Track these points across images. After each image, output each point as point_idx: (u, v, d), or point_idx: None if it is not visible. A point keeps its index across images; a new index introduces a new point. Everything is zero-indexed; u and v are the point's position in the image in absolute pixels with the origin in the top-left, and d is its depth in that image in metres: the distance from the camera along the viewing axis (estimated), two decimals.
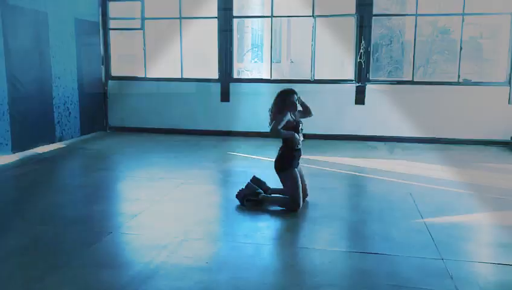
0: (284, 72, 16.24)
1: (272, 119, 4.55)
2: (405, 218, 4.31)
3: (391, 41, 15.93)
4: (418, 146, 7.84)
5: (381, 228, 4.10)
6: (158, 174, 5.84)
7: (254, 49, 22.46)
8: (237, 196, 4.57)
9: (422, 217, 4.27)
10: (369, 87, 8.39)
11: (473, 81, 8.24)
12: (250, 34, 19.10)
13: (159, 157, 7.03)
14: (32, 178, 5.77)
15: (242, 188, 4.61)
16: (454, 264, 3.28)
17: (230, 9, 8.69)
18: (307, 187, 4.69)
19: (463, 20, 7.98)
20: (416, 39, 8.40)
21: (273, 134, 4.40)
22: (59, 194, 5.08)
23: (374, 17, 8.32)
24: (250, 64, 16.83)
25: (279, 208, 4.45)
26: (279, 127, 4.36)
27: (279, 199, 4.57)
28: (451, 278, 3.04)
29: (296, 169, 4.53)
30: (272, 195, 4.64)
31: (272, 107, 4.65)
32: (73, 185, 5.57)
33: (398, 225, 4.16)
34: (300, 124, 4.61)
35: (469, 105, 8.00)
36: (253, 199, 4.51)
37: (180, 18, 8.92)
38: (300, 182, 4.49)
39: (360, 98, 8.41)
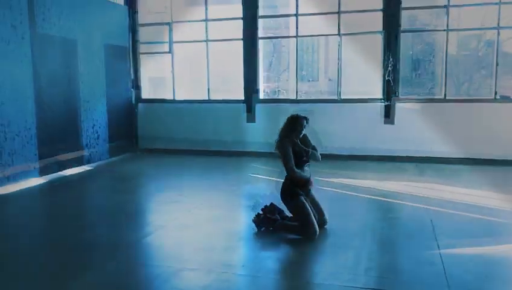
0: (322, 90, 16.05)
1: (278, 143, 4.41)
2: (419, 248, 4.00)
3: (433, 57, 15.41)
4: (451, 167, 7.40)
5: (391, 259, 3.84)
6: (173, 198, 5.80)
7: (300, 69, 22.41)
8: (253, 221, 4.44)
9: (438, 248, 3.94)
10: (398, 105, 8.06)
11: (511, 97, 7.71)
12: (288, 54, 19.12)
13: (180, 179, 7.05)
14: (53, 200, 5.91)
15: (259, 213, 4.46)
16: None
17: (256, 30, 8.68)
18: (325, 213, 4.48)
19: (498, 34, 7.54)
20: (460, 53, 8.04)
21: (290, 175, 4.30)
22: (68, 217, 5.14)
23: (402, 34, 8.03)
24: (287, 83, 16.78)
25: (296, 237, 4.26)
26: (292, 164, 4.25)
27: (296, 226, 4.35)
28: None
29: (302, 197, 4.32)
30: (288, 223, 4.44)
31: (281, 130, 4.52)
32: (88, 208, 5.63)
33: (410, 255, 3.86)
34: (307, 153, 4.39)
35: (507, 122, 7.48)
36: (269, 225, 4.39)
37: (207, 40, 9.02)
38: (310, 209, 4.28)
39: (389, 117, 8.09)
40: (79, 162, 7.83)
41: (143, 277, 3.46)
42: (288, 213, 4.55)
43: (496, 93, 7.62)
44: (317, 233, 4.17)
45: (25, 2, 6.57)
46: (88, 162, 8.05)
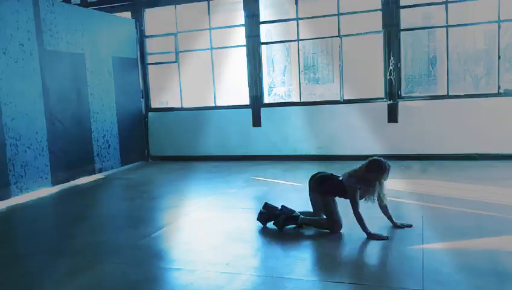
0: (337, 92, 16.11)
1: (353, 185, 4.27)
2: (404, 243, 4.04)
3: (447, 54, 15.28)
4: (455, 164, 7.34)
5: (374, 255, 3.90)
6: (174, 203, 6.00)
7: (306, 71, 22.49)
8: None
9: (422, 243, 3.98)
10: (401, 104, 8.05)
11: None
12: (303, 57, 19.20)
13: (184, 185, 7.25)
14: (62, 208, 6.20)
15: (261, 211, 4.66)
16: None
17: (258, 36, 8.84)
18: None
19: (499, 28, 7.46)
20: (477, 48, 7.99)
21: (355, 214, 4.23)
22: (72, 223, 5.39)
23: (402, 32, 8.03)
24: (303, 86, 16.89)
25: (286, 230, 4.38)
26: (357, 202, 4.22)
27: (322, 220, 4.48)
28: None
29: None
30: (312, 218, 4.57)
31: (358, 171, 4.32)
32: (93, 214, 5.87)
33: (393, 251, 3.92)
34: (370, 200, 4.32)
35: (511, 117, 7.38)
36: (291, 223, 4.52)
37: (211, 48, 9.23)
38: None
39: (392, 116, 8.09)
40: (91, 171, 8.14)
41: (132, 279, 3.62)
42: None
43: (499, 88, 7.53)
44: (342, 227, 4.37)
45: (32, 21, 6.92)
46: (100, 171, 8.35)
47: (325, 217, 4.50)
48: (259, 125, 8.98)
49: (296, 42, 8.76)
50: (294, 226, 4.54)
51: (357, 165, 4.39)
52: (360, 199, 4.26)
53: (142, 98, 9.76)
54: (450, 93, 7.84)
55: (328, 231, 4.39)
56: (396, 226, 4.41)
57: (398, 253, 3.89)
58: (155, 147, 9.80)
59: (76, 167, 7.84)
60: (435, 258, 3.67)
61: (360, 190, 4.21)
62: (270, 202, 4.81)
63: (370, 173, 4.19)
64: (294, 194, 6.12)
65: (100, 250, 4.36)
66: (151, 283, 3.56)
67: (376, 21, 8.21)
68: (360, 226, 4.17)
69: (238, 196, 6.28)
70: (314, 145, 8.59)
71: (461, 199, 5.39)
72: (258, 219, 4.73)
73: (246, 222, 5.13)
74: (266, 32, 9.49)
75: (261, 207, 4.78)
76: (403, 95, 8.13)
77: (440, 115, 7.81)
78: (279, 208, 4.67)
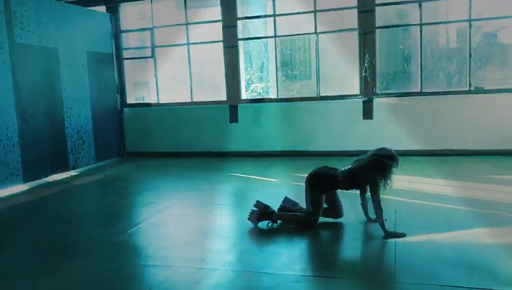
0: (315, 88, 16.24)
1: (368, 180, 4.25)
2: (377, 237, 4.11)
3: (421, 52, 15.59)
4: (427, 159, 7.50)
5: (347, 249, 3.96)
6: (150, 199, 5.95)
7: (283, 67, 22.56)
8: (249, 219, 4.55)
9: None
10: (376, 101, 8.17)
11: (485, 88, 7.81)
12: (280, 54, 19.25)
13: (160, 181, 7.20)
14: (34, 205, 6.07)
15: (253, 209, 4.58)
16: (406, 287, 3.10)
17: (235, 32, 8.83)
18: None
19: (470, 27, 7.64)
20: (450, 46, 8.17)
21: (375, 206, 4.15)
22: (45, 220, 5.29)
23: (377, 30, 8.14)
24: (280, 83, 16.94)
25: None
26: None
27: (297, 216, 4.48)
28: None
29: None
30: (287, 213, 4.57)
31: (367, 165, 4.27)
32: (67, 211, 5.77)
33: (366, 245, 3.99)
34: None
35: (482, 114, 7.60)
36: (267, 218, 4.51)
37: (188, 44, 9.17)
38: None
39: (367, 113, 8.21)
40: (64, 168, 7.99)
41: (107, 276, 3.58)
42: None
43: (470, 85, 7.72)
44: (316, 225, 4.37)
45: (3, 14, 6.72)
46: (74, 168, 8.20)
47: (301, 213, 4.50)
48: (237, 122, 8.98)
49: (273, 39, 8.78)
50: (268, 222, 4.53)
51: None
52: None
53: (118, 93, 9.63)
54: (423, 90, 8.00)
55: (304, 225, 4.40)
56: (369, 220, 4.47)
57: (371, 246, 3.97)
58: (131, 143, 9.69)
59: (49, 164, 7.67)
60: (407, 251, 3.75)
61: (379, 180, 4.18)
62: (248, 197, 4.79)
63: (384, 161, 4.18)
64: (270, 190, 6.15)
65: (74, 247, 4.29)
66: (126, 279, 3.52)
67: (352, 19, 8.30)
68: (379, 220, 4.11)
69: (214, 192, 6.27)
70: (291, 142, 8.64)
71: (433, 193, 5.51)
72: (249, 219, 4.59)
73: (222, 218, 5.16)
74: (243, 29, 9.47)
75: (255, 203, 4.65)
76: (377, 92, 8.26)
77: (414, 111, 7.96)
78: (282, 204, 4.64)
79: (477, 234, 4.07)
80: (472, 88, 7.71)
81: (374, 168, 4.19)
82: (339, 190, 4.52)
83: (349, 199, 4.68)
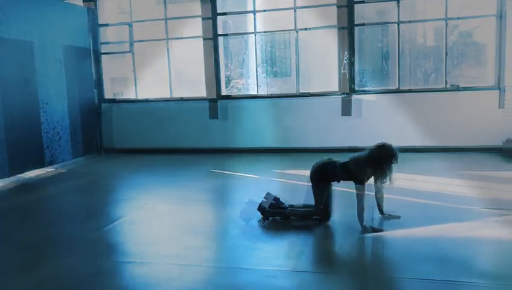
0: (295, 85, 16.32)
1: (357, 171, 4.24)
2: (354, 232, 4.17)
3: (398, 50, 15.85)
4: (403, 155, 7.55)
5: (324, 244, 4.01)
6: (130, 195, 5.90)
7: (264, 64, 22.56)
8: (261, 212, 4.52)
9: (371, 231, 4.12)
10: (354, 97, 8.25)
11: (461, 86, 7.97)
12: (261, 50, 19.27)
13: (139, 177, 7.13)
14: (9, 202, 5.95)
15: (264, 207, 4.52)
16: (381, 280, 3.15)
17: (215, 27, 8.78)
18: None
19: (446, 25, 7.78)
20: (427, 44, 8.28)
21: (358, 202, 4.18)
22: (23, 217, 5.19)
23: (356, 27, 8.21)
24: (261, 79, 16.96)
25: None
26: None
27: (309, 211, 4.48)
28: None
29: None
30: (298, 210, 4.57)
31: (365, 159, 4.27)
32: (44, 208, 5.67)
33: (343, 240, 4.04)
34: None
35: (458, 111, 7.75)
36: (278, 215, 4.51)
37: (167, 39, 9.09)
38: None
39: (346, 109, 8.28)
40: (40, 164, 7.83)
41: (84, 272, 3.55)
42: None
43: (446, 82, 7.86)
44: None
45: None
46: (50, 164, 8.05)
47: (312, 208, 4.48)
48: (217, 118, 8.94)
49: (253, 35, 8.78)
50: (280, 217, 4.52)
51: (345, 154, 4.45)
52: (375, 183, 4.28)
53: (95, 88, 9.47)
54: (400, 88, 8.12)
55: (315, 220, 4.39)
56: (384, 216, 4.47)
57: (348, 241, 4.01)
58: (109, 139, 9.55)
59: (25, 160, 7.50)
60: (383, 245, 3.81)
61: (373, 174, 4.22)
62: (227, 193, 4.77)
63: (382, 157, 4.17)
64: (252, 186, 6.16)
65: (51, 244, 4.24)
66: (103, 276, 3.49)
67: (332, 16, 8.34)
68: (358, 214, 4.14)
69: (194, 188, 6.24)
70: (271, 138, 8.65)
71: (409, 189, 5.59)
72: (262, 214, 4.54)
73: (201, 214, 5.14)
74: (224, 24, 9.43)
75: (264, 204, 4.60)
76: (356, 89, 8.33)
77: (391, 108, 8.06)
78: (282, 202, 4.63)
79: (450, 229, 4.16)
80: (448, 86, 7.86)
81: (368, 163, 4.19)
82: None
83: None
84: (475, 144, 7.63)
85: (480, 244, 3.82)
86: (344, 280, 3.28)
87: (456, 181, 5.85)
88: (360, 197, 4.15)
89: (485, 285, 3.06)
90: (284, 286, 3.16)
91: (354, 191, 4.24)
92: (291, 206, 4.64)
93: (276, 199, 4.68)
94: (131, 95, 9.56)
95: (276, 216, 4.52)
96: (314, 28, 8.52)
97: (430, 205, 4.97)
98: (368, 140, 8.04)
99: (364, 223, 4.13)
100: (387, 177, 4.19)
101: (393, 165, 4.20)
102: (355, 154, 4.40)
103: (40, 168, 7.81)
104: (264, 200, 4.60)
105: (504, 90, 7.47)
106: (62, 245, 4.21)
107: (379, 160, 4.17)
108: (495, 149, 7.49)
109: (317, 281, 3.28)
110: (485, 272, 3.29)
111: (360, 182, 4.18)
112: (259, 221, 4.51)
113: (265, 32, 8.98)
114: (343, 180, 4.41)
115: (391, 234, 4.08)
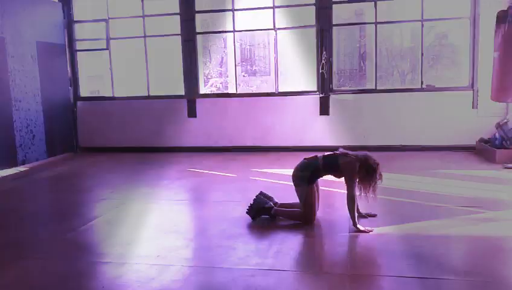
0: (274, 84, 16.36)
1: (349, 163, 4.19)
2: (331, 231, 4.21)
3: (376, 50, 16.08)
4: (380, 155, 7.65)
5: (302, 243, 4.02)
6: (105, 195, 5.80)
7: (243, 63, 22.56)
8: (248, 213, 4.50)
9: (348, 231, 4.15)
10: (332, 97, 8.31)
11: (436, 86, 8.13)
12: (240, 49, 19.24)
13: (115, 177, 7.03)
14: None
15: (251, 204, 4.52)
16: (357, 278, 3.18)
17: (193, 25, 8.72)
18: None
19: (422, 26, 7.91)
20: (404, 45, 8.37)
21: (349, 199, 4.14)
22: None
23: (334, 27, 8.27)
24: (240, 78, 16.92)
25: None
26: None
27: (295, 212, 4.45)
28: None
29: (314, 186, 4.40)
30: (285, 209, 4.54)
31: (351, 169, 4.18)
32: (16, 208, 5.52)
33: (320, 238, 4.06)
34: None
35: (433, 111, 7.89)
36: (265, 214, 4.47)
37: (145, 36, 8.98)
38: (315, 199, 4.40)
39: (324, 109, 8.33)
40: (12, 163, 7.64)
41: (59, 273, 3.47)
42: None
43: (422, 83, 8.00)
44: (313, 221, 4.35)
45: None
46: (23, 163, 7.87)
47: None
48: (195, 116, 8.89)
49: (232, 33, 8.75)
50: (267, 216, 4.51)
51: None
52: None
53: (71, 86, 9.29)
54: (378, 88, 8.22)
55: (299, 222, 4.38)
56: (361, 216, 4.46)
57: (325, 240, 4.04)
58: (84, 137, 9.39)
59: None
60: (359, 243, 3.85)
61: (360, 179, 4.15)
62: (205, 192, 4.74)
63: (372, 165, 4.12)
64: (228, 185, 6.14)
65: (25, 245, 4.13)
66: (79, 277, 3.42)
67: (311, 16, 8.38)
68: (350, 213, 4.13)
69: (171, 187, 6.19)
70: (249, 137, 8.65)
71: (385, 187, 5.64)
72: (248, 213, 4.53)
73: (179, 214, 5.10)
74: (202, 23, 9.37)
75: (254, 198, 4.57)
76: (334, 88, 8.40)
77: (369, 108, 8.16)
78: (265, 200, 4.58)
79: (426, 226, 4.23)
80: (424, 86, 8.00)
81: (359, 163, 4.14)
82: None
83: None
84: (449, 143, 7.80)
85: (453, 242, 3.90)
86: (320, 278, 3.30)
87: (430, 180, 5.97)
88: (350, 196, 4.12)
89: (458, 281, 3.13)
90: (261, 285, 3.16)
91: (338, 190, 4.27)
92: (281, 205, 4.62)
93: (265, 196, 4.64)
94: (108, 93, 9.41)
95: (262, 215, 4.50)
96: (293, 28, 8.55)
97: (405, 203, 5.04)
98: (346, 139, 8.20)
99: (356, 222, 4.13)
100: (371, 188, 4.14)
101: (378, 179, 4.13)
102: (339, 152, 4.36)
103: (13, 167, 7.61)
104: (256, 198, 4.57)
105: (477, 91, 7.65)
106: (35, 246, 4.11)
107: (370, 167, 4.12)
108: (469, 148, 7.67)
109: (294, 280, 3.29)
110: (458, 269, 3.35)
111: (352, 179, 4.15)
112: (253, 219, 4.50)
113: (244, 31, 8.96)
114: (328, 174, 4.36)
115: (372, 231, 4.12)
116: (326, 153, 4.42)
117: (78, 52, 9.35)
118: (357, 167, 4.14)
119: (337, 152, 4.39)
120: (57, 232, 4.47)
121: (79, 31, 9.35)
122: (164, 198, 5.66)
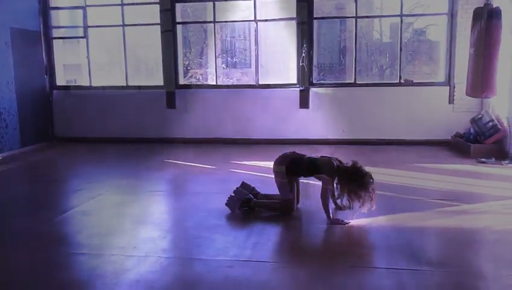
0: (254, 77, 16.33)
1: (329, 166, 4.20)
2: (312, 224, 4.24)
3: (355, 44, 16.22)
4: (359, 148, 7.79)
5: (281, 235, 4.04)
6: (81, 186, 5.69)
7: (223, 54, 22.44)
8: (227, 204, 4.46)
9: (326, 224, 4.18)
10: (312, 90, 8.34)
11: (414, 81, 8.24)
12: (221, 41, 19.11)
13: (91, 168, 6.92)
14: None
15: (231, 195, 4.48)
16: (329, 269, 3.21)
17: (173, 15, 8.60)
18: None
19: (401, 22, 8.00)
20: (383, 40, 8.43)
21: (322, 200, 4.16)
22: None
23: (314, 20, 8.29)
24: (220, 70, 16.82)
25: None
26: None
27: (274, 204, 4.45)
28: None
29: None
30: (264, 201, 4.54)
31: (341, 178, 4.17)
32: None
33: (305, 230, 4.10)
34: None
35: (410, 105, 8.01)
36: (245, 206, 4.44)
37: (124, 25, 8.82)
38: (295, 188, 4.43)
39: (304, 102, 8.36)
40: None
41: (33, 265, 3.40)
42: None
43: (400, 78, 8.10)
44: (294, 210, 4.38)
45: None
46: None
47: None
48: (174, 108, 8.80)
49: (213, 24, 8.68)
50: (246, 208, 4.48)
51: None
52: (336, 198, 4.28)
53: (46, 74, 9.07)
54: (357, 82, 8.28)
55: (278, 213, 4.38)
56: (338, 208, 4.48)
57: (303, 232, 4.07)
58: (61, 127, 9.20)
59: None
60: (334, 235, 3.89)
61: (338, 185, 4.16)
62: (183, 184, 4.71)
63: (364, 176, 4.10)
64: (207, 177, 6.12)
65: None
66: (53, 268, 3.36)
67: (292, 8, 8.36)
68: (324, 207, 4.15)
69: (149, 179, 6.12)
70: (229, 129, 8.62)
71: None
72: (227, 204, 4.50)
73: (156, 205, 5.06)
74: (183, 13, 9.26)
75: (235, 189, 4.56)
76: (314, 82, 8.43)
77: (347, 102, 8.23)
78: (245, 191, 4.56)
79: (402, 219, 4.30)
80: (402, 81, 8.10)
81: (337, 173, 4.16)
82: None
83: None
84: (426, 138, 7.93)
85: (428, 234, 3.98)
86: (297, 269, 3.33)
87: (407, 173, 6.06)
88: (324, 193, 4.16)
89: (432, 272, 3.19)
90: (238, 276, 3.16)
91: (317, 182, 4.30)
92: (263, 197, 4.62)
93: (246, 186, 4.64)
94: (85, 82, 9.23)
95: (242, 207, 4.47)
96: (274, 20, 8.53)
97: (382, 196, 5.09)
98: (325, 132, 8.25)
99: (331, 215, 4.17)
100: (348, 201, 4.14)
101: (361, 193, 4.03)
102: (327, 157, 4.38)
103: None
104: (236, 190, 4.55)
105: (454, 87, 7.79)
106: (8, 237, 4.02)
107: (362, 178, 4.10)
108: (444, 143, 7.82)
109: (272, 271, 3.30)
110: (433, 260, 3.42)
111: (328, 179, 4.17)
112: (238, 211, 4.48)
113: (224, 22, 8.89)
114: (311, 175, 4.41)
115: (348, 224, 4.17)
116: (312, 155, 4.45)
117: (54, 40, 9.12)
118: (335, 166, 4.18)
119: (321, 156, 4.40)
120: (32, 223, 4.37)
121: (55, 18, 9.12)
122: (141, 189, 5.60)
